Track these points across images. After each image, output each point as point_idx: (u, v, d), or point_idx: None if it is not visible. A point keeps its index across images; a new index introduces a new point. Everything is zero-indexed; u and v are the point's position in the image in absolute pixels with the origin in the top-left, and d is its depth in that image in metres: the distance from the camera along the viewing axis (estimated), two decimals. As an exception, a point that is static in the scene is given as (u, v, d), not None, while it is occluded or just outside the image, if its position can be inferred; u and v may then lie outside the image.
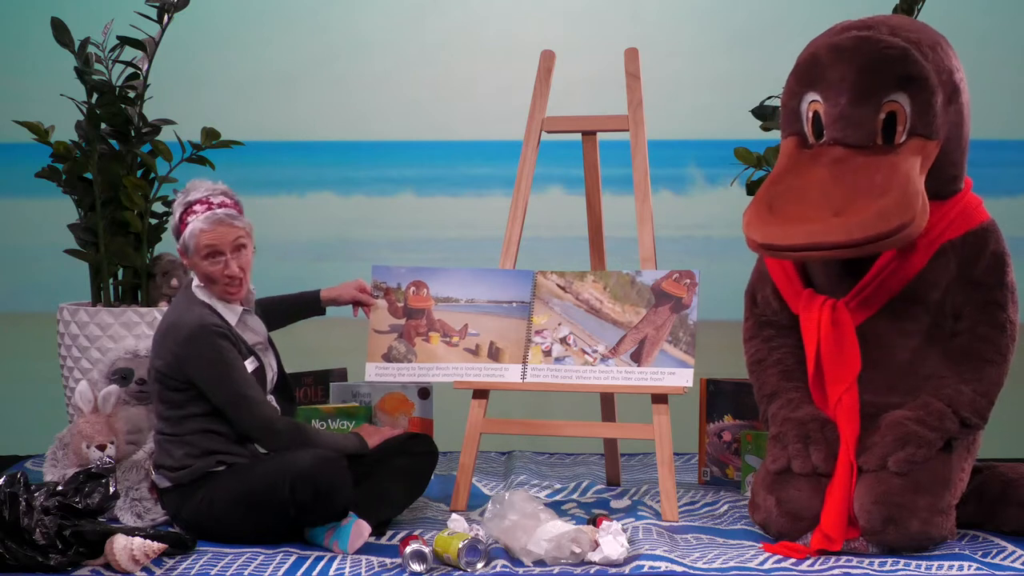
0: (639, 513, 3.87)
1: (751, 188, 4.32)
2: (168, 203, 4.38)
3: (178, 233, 3.60)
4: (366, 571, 3.31)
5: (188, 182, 3.66)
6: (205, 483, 3.51)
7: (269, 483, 3.43)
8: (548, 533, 3.37)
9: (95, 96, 4.31)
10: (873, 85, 3.48)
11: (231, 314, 3.61)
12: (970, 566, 3.33)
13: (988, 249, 3.60)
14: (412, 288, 4.09)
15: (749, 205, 3.57)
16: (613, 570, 3.30)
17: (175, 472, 3.54)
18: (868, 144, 3.51)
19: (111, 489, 3.44)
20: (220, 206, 3.57)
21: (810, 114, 3.60)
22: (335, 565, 3.35)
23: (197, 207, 3.57)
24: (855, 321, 3.60)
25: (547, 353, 3.98)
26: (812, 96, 3.59)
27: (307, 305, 3.98)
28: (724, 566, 3.33)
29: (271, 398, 3.70)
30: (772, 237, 3.47)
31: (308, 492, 3.40)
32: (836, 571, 3.30)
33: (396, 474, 3.70)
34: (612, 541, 3.35)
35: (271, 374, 3.72)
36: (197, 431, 3.54)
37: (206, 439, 3.53)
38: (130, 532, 3.35)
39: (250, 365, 3.59)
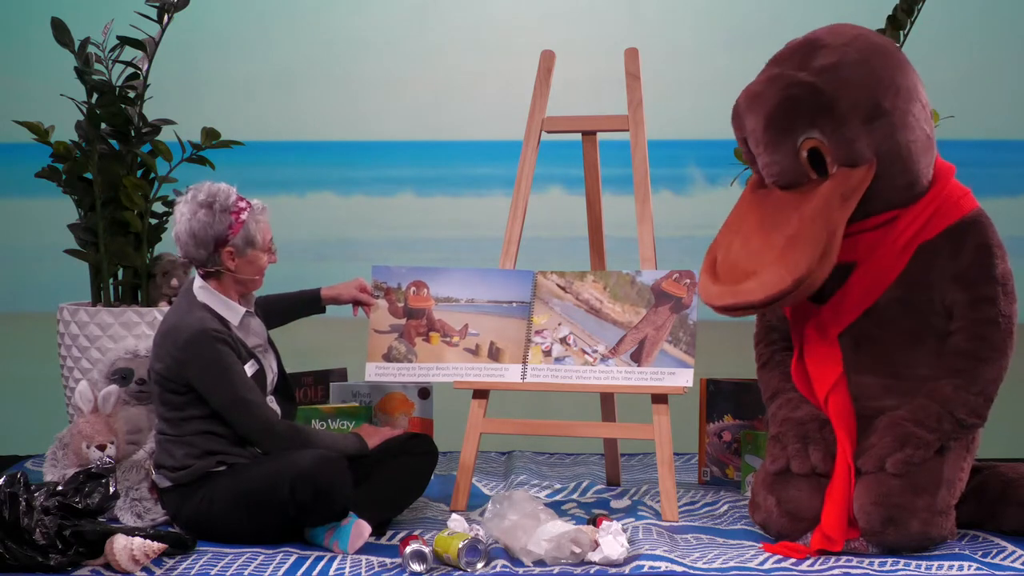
0: (639, 513, 3.87)
1: (751, 188, 4.33)
2: (168, 203, 4.38)
3: (227, 236, 3.55)
4: (366, 571, 3.32)
5: (205, 188, 3.57)
6: (205, 483, 3.51)
7: (269, 483, 3.44)
8: (548, 533, 3.37)
9: (95, 96, 4.31)
10: (782, 130, 3.49)
11: (233, 315, 3.61)
12: (970, 566, 3.33)
13: (970, 243, 3.55)
14: (412, 288, 4.09)
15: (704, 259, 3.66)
16: (613, 570, 3.30)
17: (175, 472, 3.54)
18: (801, 182, 3.53)
19: (111, 489, 3.44)
20: (250, 202, 3.62)
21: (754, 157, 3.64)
22: (335, 565, 3.35)
23: (241, 204, 3.59)
24: (841, 324, 3.60)
25: (547, 353, 3.98)
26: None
27: (307, 303, 3.98)
28: (724, 566, 3.33)
29: (271, 399, 3.70)
30: (711, 298, 3.58)
31: (308, 492, 3.40)
32: (836, 571, 3.30)
33: (396, 474, 3.70)
34: (612, 541, 3.35)
35: (271, 376, 3.72)
36: (198, 432, 3.54)
37: (207, 440, 3.54)
38: (130, 532, 3.36)
39: (250, 369, 3.59)
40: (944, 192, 3.60)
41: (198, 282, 3.64)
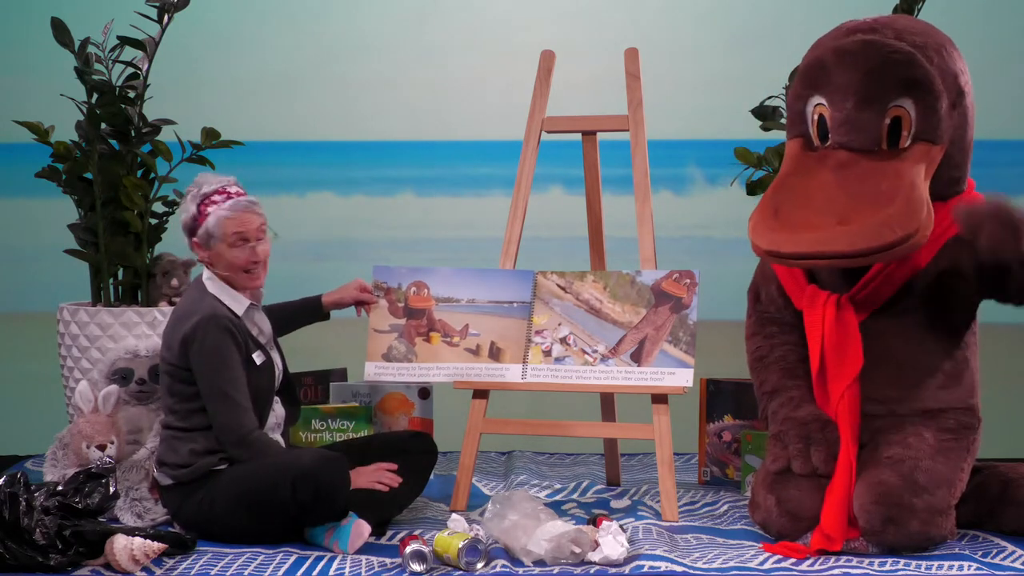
0: (639, 513, 3.87)
1: (751, 188, 4.32)
2: (169, 203, 4.39)
3: (194, 226, 3.60)
4: (366, 571, 3.32)
5: (197, 176, 3.68)
6: (206, 482, 3.51)
7: (270, 482, 3.44)
8: (548, 533, 3.37)
9: (95, 96, 4.31)
10: (878, 90, 3.48)
11: (238, 306, 3.62)
12: (970, 566, 3.33)
13: None
14: (413, 288, 4.09)
15: (755, 209, 3.56)
16: (613, 570, 3.30)
17: (178, 470, 3.54)
18: (873, 148, 3.51)
19: (111, 489, 3.44)
20: (237, 195, 3.61)
21: (815, 117, 3.60)
22: (335, 565, 3.35)
23: (216, 197, 3.59)
24: (858, 317, 3.61)
25: (547, 353, 3.98)
26: (817, 99, 3.59)
27: (310, 311, 3.97)
28: (724, 566, 3.33)
29: (276, 399, 3.71)
30: (777, 244, 3.45)
31: (309, 492, 3.40)
32: (836, 571, 3.30)
33: (396, 473, 3.70)
34: (612, 541, 3.35)
35: (278, 372, 3.72)
36: (205, 426, 3.54)
37: (209, 438, 3.53)
38: (130, 532, 3.36)
39: (258, 358, 3.60)
40: (971, 194, 3.66)
41: (206, 273, 3.65)
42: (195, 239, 3.62)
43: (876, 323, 3.62)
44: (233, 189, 3.62)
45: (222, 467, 3.52)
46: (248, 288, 3.65)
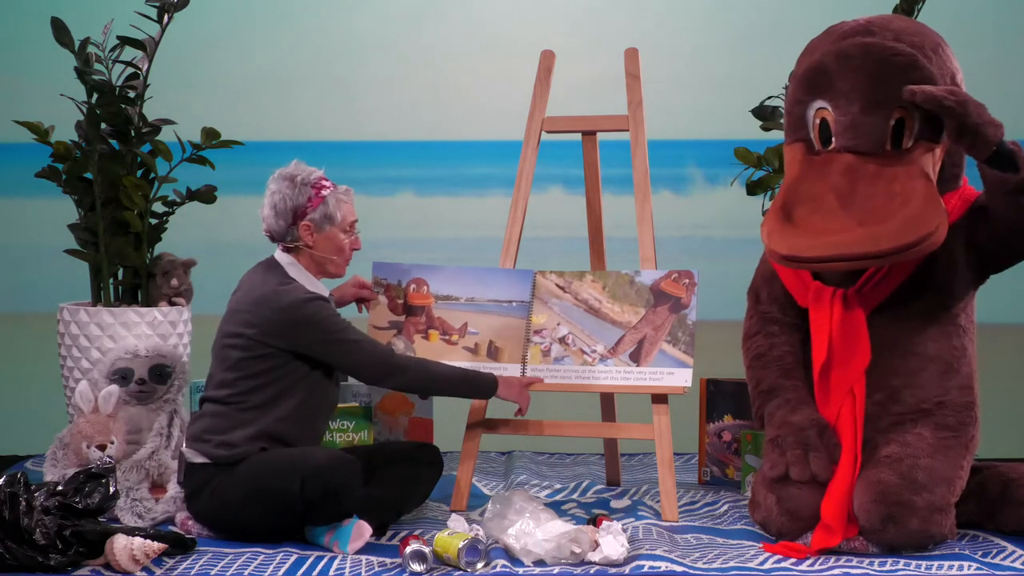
0: (639, 513, 3.87)
1: (751, 188, 4.32)
2: (169, 203, 4.39)
3: (305, 208, 3.60)
4: (366, 571, 3.32)
5: (292, 165, 3.66)
6: (225, 470, 3.50)
7: (281, 477, 3.43)
8: (548, 533, 3.37)
9: (95, 96, 4.31)
10: (884, 93, 3.49)
11: (321, 293, 3.64)
12: (970, 566, 3.33)
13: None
14: (412, 285, 4.09)
15: (767, 215, 3.56)
16: (613, 570, 3.30)
17: (219, 448, 3.52)
18: (878, 151, 3.52)
19: (111, 489, 3.43)
20: (334, 186, 3.67)
21: (817, 121, 3.60)
22: (335, 565, 3.35)
23: (324, 182, 3.64)
24: (870, 305, 3.61)
25: (546, 353, 3.98)
26: (820, 104, 3.59)
27: None
28: (724, 566, 3.33)
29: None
30: (797, 249, 3.47)
31: (318, 490, 3.40)
32: (836, 571, 3.30)
33: (399, 480, 3.71)
34: (612, 541, 3.35)
35: None
36: (262, 404, 3.54)
37: (266, 420, 3.53)
38: (130, 532, 3.36)
39: None
40: (965, 189, 3.67)
41: (286, 258, 3.65)
42: (305, 222, 3.61)
43: (879, 316, 3.62)
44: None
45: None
46: (338, 275, 3.71)
